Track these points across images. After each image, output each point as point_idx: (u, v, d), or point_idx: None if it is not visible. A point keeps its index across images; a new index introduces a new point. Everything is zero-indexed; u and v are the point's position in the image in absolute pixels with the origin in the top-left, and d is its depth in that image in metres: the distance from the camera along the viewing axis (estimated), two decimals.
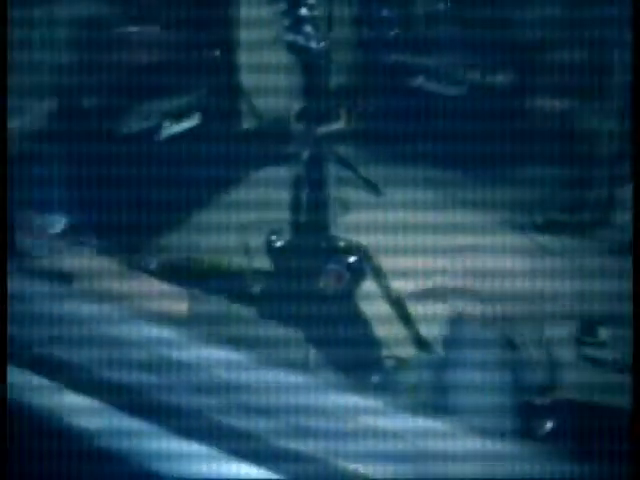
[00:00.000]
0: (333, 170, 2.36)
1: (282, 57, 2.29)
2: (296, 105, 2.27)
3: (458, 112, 3.69)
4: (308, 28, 2.07)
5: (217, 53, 3.50)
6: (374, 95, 4.03)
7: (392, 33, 3.88)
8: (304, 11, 2.06)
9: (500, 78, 3.79)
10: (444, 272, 2.58)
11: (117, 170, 2.72)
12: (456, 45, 3.88)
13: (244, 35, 3.56)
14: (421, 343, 2.26)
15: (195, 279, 2.36)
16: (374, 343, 2.21)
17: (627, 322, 2.38)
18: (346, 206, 2.78)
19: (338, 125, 2.30)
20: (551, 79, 3.89)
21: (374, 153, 3.67)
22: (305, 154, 2.24)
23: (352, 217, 3.15)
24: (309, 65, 2.13)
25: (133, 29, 3.38)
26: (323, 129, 2.23)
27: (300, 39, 2.07)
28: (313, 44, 2.09)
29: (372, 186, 3.36)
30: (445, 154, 3.51)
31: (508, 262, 2.74)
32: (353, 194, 3.13)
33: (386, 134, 3.73)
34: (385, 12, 3.94)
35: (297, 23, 2.07)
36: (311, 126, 2.20)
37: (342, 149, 3.59)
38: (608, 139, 3.53)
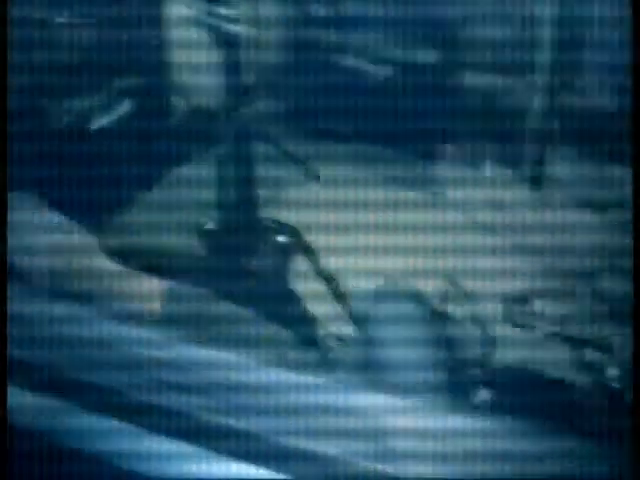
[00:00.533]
0: (262, 149, 2.39)
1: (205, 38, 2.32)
2: (221, 84, 2.29)
3: (388, 89, 3.75)
4: (225, 11, 2.13)
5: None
6: (304, 73, 4.08)
7: (320, 11, 3.92)
8: None
9: (425, 55, 3.86)
10: (376, 249, 2.60)
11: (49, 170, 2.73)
12: (382, 23, 3.93)
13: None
14: (355, 320, 2.28)
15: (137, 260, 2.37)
16: (308, 321, 2.23)
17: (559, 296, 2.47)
18: (277, 185, 2.81)
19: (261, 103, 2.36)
20: (476, 56, 3.97)
21: (303, 131, 3.71)
22: (231, 133, 2.26)
23: (282, 195, 3.19)
24: (230, 45, 2.17)
25: (60, 28, 3.35)
26: (247, 108, 2.26)
27: (222, 22, 2.13)
28: (231, 27, 2.14)
29: (302, 164, 3.40)
30: (375, 131, 3.55)
31: (439, 239, 2.78)
32: (283, 172, 3.17)
33: (315, 111, 3.78)
34: None
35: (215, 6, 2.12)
36: (236, 105, 2.23)
37: (272, 128, 3.63)
38: (537, 116, 3.60)
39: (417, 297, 2.27)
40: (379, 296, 2.26)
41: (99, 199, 2.74)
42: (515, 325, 2.70)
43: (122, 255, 2.34)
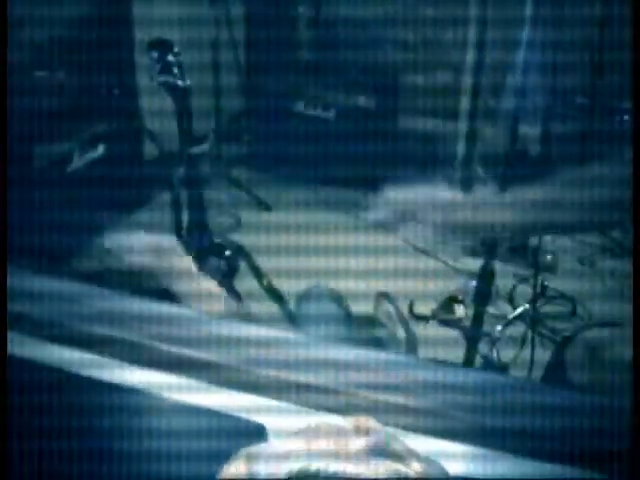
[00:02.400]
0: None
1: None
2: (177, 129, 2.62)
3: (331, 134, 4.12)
4: (175, 70, 2.47)
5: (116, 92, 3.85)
6: (258, 118, 4.42)
7: (272, 57, 4.24)
8: (171, 57, 2.46)
9: (364, 100, 4.21)
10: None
11: (29, 194, 2.94)
12: (326, 68, 4.28)
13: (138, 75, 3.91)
14: (292, 321, 2.51)
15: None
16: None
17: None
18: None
19: (205, 147, 2.64)
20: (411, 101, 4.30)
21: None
22: (181, 172, 2.60)
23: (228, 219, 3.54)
24: (178, 99, 2.52)
25: (38, 73, 3.64)
26: (195, 150, 2.60)
27: (170, 79, 2.47)
28: (179, 82, 2.50)
29: (256, 199, 3.77)
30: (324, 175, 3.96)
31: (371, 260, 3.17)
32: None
33: (268, 156, 4.15)
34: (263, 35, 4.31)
35: (166, 66, 2.47)
36: (184, 148, 2.57)
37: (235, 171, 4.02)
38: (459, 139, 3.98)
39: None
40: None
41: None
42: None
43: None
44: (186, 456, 1.12)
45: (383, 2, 4.34)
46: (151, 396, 1.12)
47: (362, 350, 1.14)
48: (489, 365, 2.81)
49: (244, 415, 1.09)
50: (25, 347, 1.16)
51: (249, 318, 1.66)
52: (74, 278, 1.31)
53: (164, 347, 1.12)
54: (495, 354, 2.89)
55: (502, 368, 2.79)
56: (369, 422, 0.85)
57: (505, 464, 0.98)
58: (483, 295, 2.67)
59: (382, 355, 1.13)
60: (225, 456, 0.84)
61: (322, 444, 0.82)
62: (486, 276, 2.63)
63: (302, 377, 1.08)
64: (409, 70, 4.37)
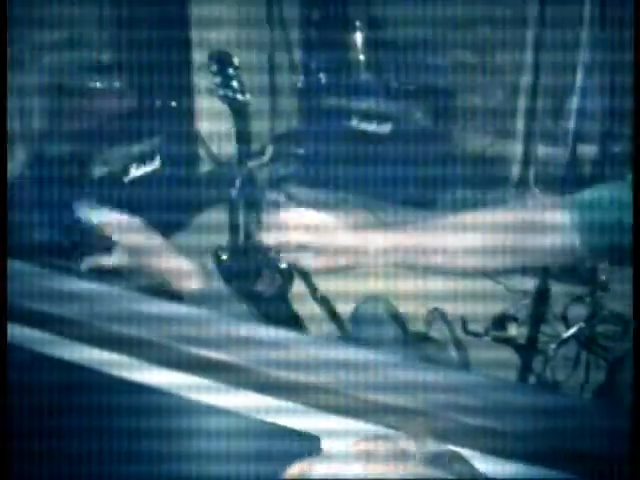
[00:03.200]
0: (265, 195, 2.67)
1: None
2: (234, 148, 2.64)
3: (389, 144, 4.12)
4: (234, 83, 2.49)
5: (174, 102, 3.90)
6: (314, 138, 4.43)
7: (323, 80, 4.26)
8: (231, 70, 2.48)
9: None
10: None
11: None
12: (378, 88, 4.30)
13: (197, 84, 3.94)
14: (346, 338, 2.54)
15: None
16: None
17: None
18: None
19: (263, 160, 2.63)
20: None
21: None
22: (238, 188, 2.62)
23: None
24: (237, 114, 2.53)
25: (99, 80, 3.75)
26: (253, 163, 2.61)
27: (229, 92, 2.48)
28: (239, 96, 2.51)
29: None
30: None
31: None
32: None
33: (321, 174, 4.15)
34: (314, 61, 4.35)
35: (225, 80, 2.49)
36: (242, 162, 2.58)
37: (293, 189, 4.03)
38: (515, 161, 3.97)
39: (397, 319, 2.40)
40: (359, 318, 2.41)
41: None
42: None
43: None
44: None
45: (442, 25, 4.36)
46: (181, 398, 1.14)
47: (380, 351, 1.13)
48: (543, 384, 2.80)
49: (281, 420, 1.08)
50: (52, 346, 1.18)
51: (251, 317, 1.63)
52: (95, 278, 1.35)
53: (177, 346, 1.13)
54: (549, 373, 2.88)
55: (555, 387, 2.78)
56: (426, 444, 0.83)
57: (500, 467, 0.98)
58: (538, 314, 2.65)
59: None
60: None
61: (380, 468, 0.79)
62: (542, 295, 2.61)
63: (322, 378, 1.06)
64: (466, 91, 4.38)
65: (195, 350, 1.10)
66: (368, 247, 1.50)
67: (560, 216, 1.43)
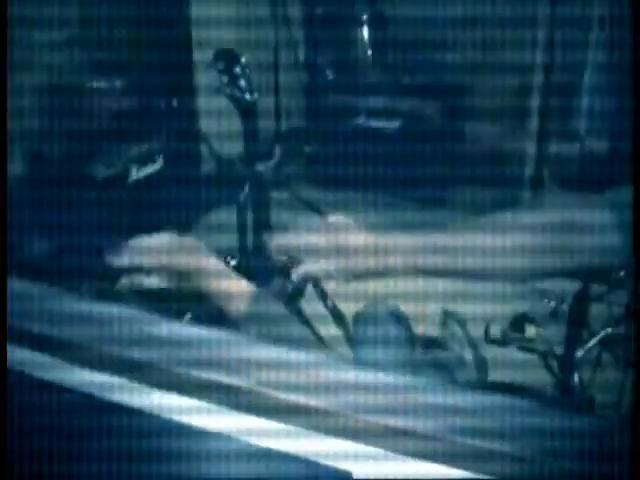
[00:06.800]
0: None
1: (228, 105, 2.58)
2: (240, 147, 2.56)
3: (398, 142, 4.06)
4: (242, 82, 2.41)
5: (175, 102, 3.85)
6: (323, 136, 4.38)
7: (330, 78, 4.22)
8: (238, 69, 2.41)
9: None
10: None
11: (89, 215, 2.93)
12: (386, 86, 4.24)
13: (199, 83, 3.89)
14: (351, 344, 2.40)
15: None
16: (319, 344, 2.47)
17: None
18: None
19: (271, 164, 2.59)
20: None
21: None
22: (246, 190, 2.53)
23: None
24: (244, 113, 2.46)
25: (100, 80, 3.73)
26: (260, 167, 2.54)
27: (236, 92, 2.41)
28: (247, 95, 2.43)
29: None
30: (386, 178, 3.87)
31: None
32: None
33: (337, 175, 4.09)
34: (321, 59, 4.29)
35: (233, 79, 2.41)
36: (250, 165, 2.51)
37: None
38: (528, 160, 3.91)
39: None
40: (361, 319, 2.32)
41: None
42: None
43: None
44: None
45: (451, 24, 4.30)
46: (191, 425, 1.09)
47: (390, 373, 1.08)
48: (568, 389, 2.71)
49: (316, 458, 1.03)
50: (51, 370, 1.15)
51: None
52: (105, 299, 1.29)
53: (176, 369, 1.10)
54: (576, 378, 2.78)
55: (582, 392, 2.69)
56: None
57: None
58: (579, 318, 2.56)
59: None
60: None
61: None
62: (582, 298, 2.52)
63: (331, 401, 1.03)
64: (477, 91, 4.31)
65: (195, 372, 1.07)
66: (395, 249, 1.45)
67: (600, 215, 1.38)
